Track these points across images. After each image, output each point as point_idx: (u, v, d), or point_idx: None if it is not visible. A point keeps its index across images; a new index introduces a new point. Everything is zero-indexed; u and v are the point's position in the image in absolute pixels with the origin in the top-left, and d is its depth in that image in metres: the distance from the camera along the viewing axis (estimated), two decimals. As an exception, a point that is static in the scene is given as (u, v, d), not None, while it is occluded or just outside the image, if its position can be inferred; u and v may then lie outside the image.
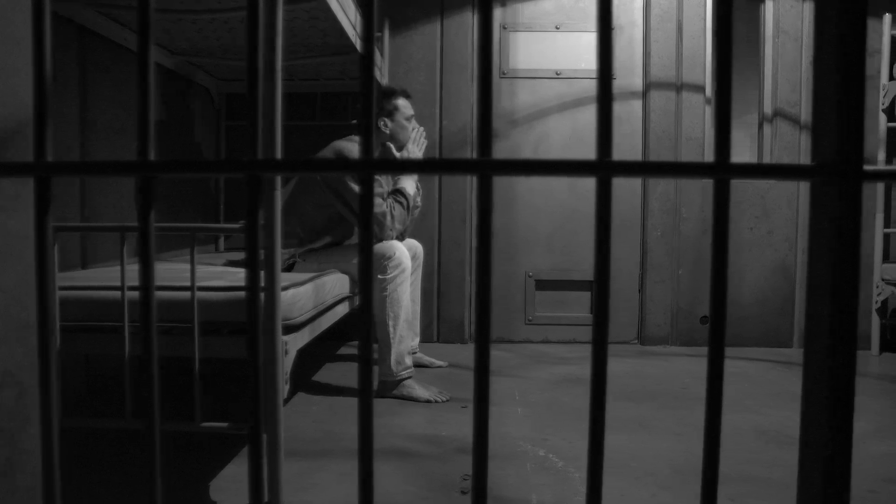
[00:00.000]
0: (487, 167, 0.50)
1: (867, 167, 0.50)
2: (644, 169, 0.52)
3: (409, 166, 0.51)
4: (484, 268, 0.52)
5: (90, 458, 1.88)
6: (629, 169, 0.50)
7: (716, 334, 0.51)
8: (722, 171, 0.50)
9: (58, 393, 0.52)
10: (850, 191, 0.50)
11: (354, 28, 2.50)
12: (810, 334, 0.54)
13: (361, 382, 0.51)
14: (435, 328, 3.71)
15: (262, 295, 1.42)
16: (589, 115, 3.68)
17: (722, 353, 0.51)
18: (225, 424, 1.49)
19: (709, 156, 3.56)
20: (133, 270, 1.71)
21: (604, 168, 0.50)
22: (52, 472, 0.54)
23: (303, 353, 1.83)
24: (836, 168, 0.50)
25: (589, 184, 3.55)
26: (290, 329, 1.70)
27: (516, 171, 0.51)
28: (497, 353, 3.41)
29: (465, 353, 3.42)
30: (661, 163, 0.50)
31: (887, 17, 3.37)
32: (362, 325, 0.51)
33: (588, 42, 3.68)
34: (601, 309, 0.50)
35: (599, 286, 0.50)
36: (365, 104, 0.51)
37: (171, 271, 2.16)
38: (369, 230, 0.52)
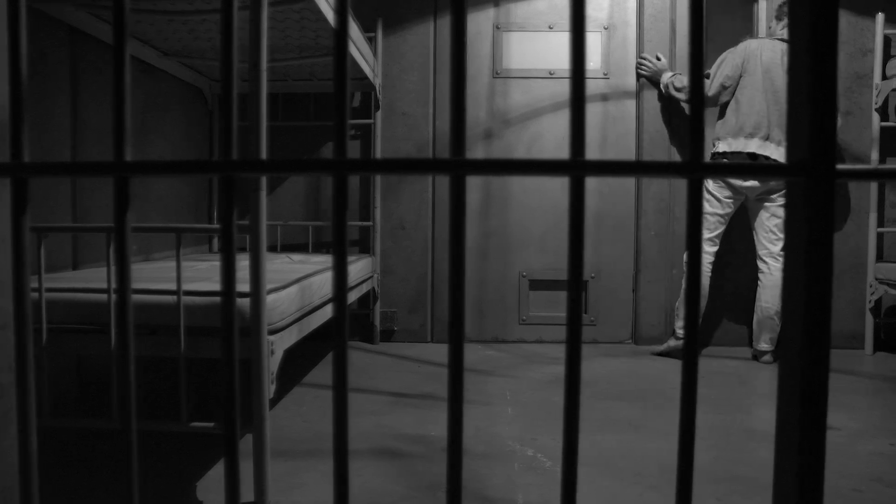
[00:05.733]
0: (460, 167, 0.50)
1: (840, 166, 0.50)
2: (616, 168, 0.52)
3: (381, 166, 0.51)
4: (458, 269, 0.52)
5: (87, 459, 1.87)
6: (601, 168, 0.50)
7: (690, 331, 0.51)
8: (693, 170, 0.50)
9: (34, 393, 0.52)
10: (822, 189, 0.51)
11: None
12: (785, 333, 0.54)
13: (336, 381, 0.51)
14: (428, 328, 3.72)
15: (241, 298, 1.42)
16: (582, 114, 3.68)
17: (696, 352, 0.51)
18: (211, 424, 1.49)
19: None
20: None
21: (576, 167, 0.50)
22: (29, 472, 0.54)
23: (294, 353, 1.83)
24: (807, 167, 0.51)
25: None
26: (273, 332, 1.70)
27: (489, 171, 0.51)
28: (490, 353, 3.42)
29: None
30: (635, 162, 0.50)
31: (880, 16, 3.38)
32: (338, 323, 0.51)
33: (581, 42, 3.69)
34: (574, 309, 0.50)
35: (572, 286, 0.50)
36: (339, 93, 0.51)
37: (159, 270, 2.15)
38: (343, 227, 0.52)
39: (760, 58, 3.18)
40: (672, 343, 3.38)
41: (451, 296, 0.51)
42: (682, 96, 3.41)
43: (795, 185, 0.52)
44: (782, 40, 3.22)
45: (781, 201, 3.19)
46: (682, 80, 3.38)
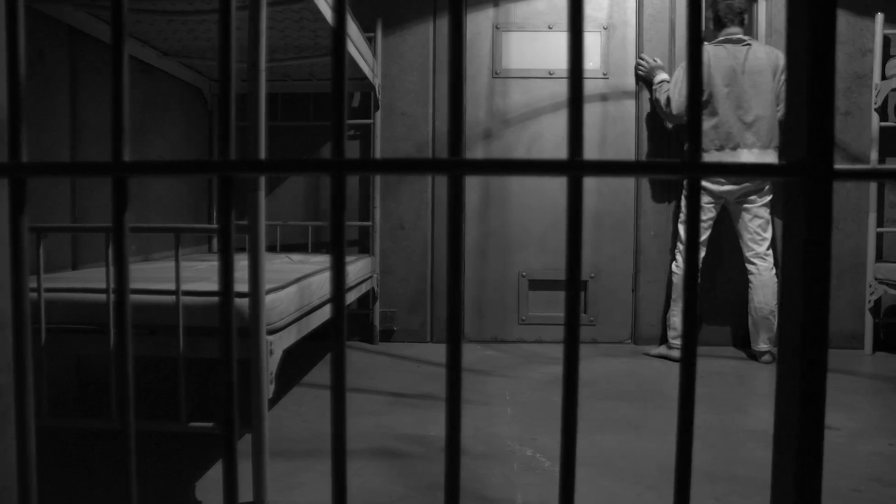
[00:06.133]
0: (459, 167, 0.50)
1: (839, 166, 0.50)
2: (615, 168, 0.52)
3: (380, 166, 0.51)
4: (455, 269, 0.52)
5: (86, 459, 1.87)
6: (600, 168, 0.50)
7: (689, 329, 0.51)
8: (692, 169, 0.50)
9: (32, 393, 0.52)
10: (819, 189, 0.51)
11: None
12: (783, 333, 0.54)
13: (334, 380, 0.51)
14: (428, 328, 3.71)
15: (240, 298, 1.42)
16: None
17: (694, 351, 0.51)
18: (210, 424, 1.49)
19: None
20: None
21: (574, 168, 0.50)
22: (27, 472, 0.54)
23: (293, 353, 1.83)
24: (806, 167, 0.51)
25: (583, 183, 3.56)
26: (272, 332, 1.70)
27: (488, 171, 0.51)
28: (490, 353, 3.42)
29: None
30: (633, 162, 0.50)
31: (880, 16, 3.38)
32: (336, 324, 0.51)
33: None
34: (572, 309, 0.50)
35: (571, 285, 0.50)
36: (337, 93, 0.51)
37: (158, 270, 2.15)
38: (341, 228, 0.52)
39: (714, 65, 3.18)
40: (663, 350, 3.39)
41: (448, 296, 0.51)
42: (658, 110, 3.42)
43: (793, 185, 0.52)
44: (728, 41, 3.22)
45: (761, 202, 3.21)
46: (664, 92, 3.35)
